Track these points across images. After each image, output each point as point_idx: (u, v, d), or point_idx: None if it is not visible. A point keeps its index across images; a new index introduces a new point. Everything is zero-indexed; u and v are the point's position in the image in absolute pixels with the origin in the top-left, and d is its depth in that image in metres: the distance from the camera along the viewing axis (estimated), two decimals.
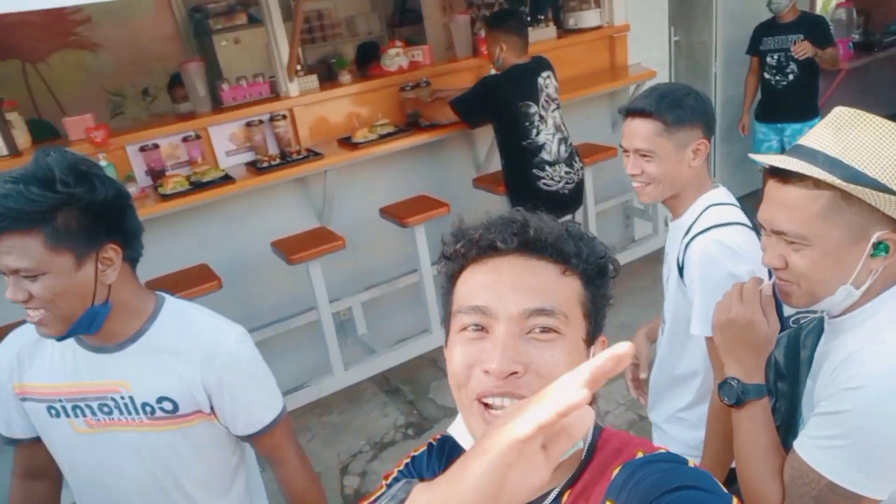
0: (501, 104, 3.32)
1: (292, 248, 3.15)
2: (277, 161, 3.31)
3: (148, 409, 1.29)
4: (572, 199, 3.62)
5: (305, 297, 3.45)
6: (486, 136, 3.87)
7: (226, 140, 3.41)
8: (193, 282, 2.90)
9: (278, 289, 3.57)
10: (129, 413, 1.29)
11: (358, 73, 3.99)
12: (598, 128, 4.52)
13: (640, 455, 0.78)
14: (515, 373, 0.74)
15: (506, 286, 0.77)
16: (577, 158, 3.62)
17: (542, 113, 3.37)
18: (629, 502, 0.71)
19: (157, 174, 3.19)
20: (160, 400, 1.28)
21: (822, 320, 1.20)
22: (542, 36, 4.20)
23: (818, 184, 1.02)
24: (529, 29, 4.11)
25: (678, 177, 1.62)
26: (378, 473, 3.14)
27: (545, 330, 0.76)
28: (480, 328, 0.77)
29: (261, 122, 3.41)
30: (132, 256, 1.27)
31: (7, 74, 4.62)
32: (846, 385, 1.02)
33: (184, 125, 3.34)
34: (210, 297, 2.82)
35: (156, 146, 3.20)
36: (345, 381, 3.56)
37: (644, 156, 1.61)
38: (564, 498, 0.80)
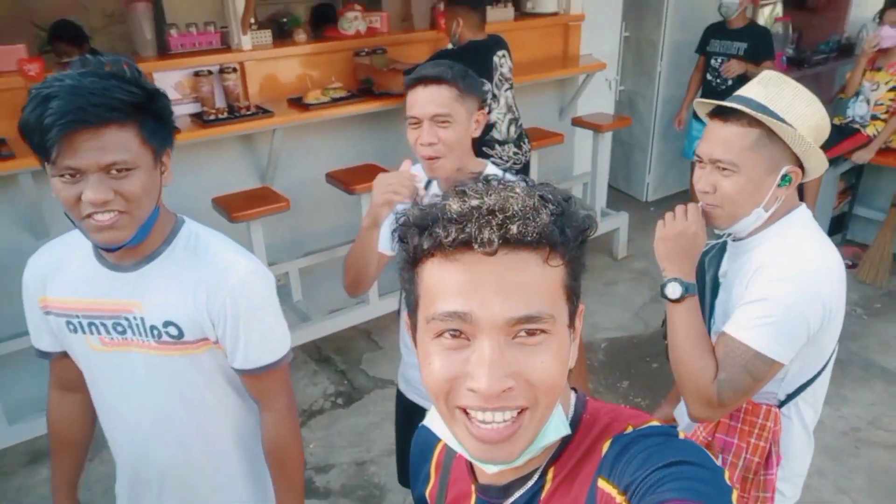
0: None
1: (234, 206, 3.07)
2: (225, 115, 3.20)
3: (155, 332, 1.27)
4: None
5: None
6: None
7: (171, 88, 3.26)
8: None
9: None
10: (141, 335, 1.28)
11: (312, 34, 3.89)
12: (546, 113, 4.59)
13: (629, 429, 0.75)
14: (507, 389, 0.68)
15: (488, 289, 0.67)
16: (525, 140, 3.66)
17: (495, 91, 3.39)
18: (621, 479, 0.69)
19: None
20: (166, 324, 1.26)
21: (722, 248, 1.55)
22: (499, 16, 4.21)
23: (750, 122, 1.34)
24: (488, 8, 4.13)
25: (465, 146, 1.69)
26: (306, 440, 3.13)
27: (532, 333, 0.69)
28: (459, 334, 0.69)
29: (210, 72, 3.28)
30: None
31: None
32: (774, 277, 1.33)
33: None
34: None
35: None
36: None
37: (442, 122, 1.62)
38: (549, 475, 0.77)
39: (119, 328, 1.28)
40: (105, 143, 1.09)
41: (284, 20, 4.44)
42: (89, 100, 1.06)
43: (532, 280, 0.68)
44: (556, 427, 0.74)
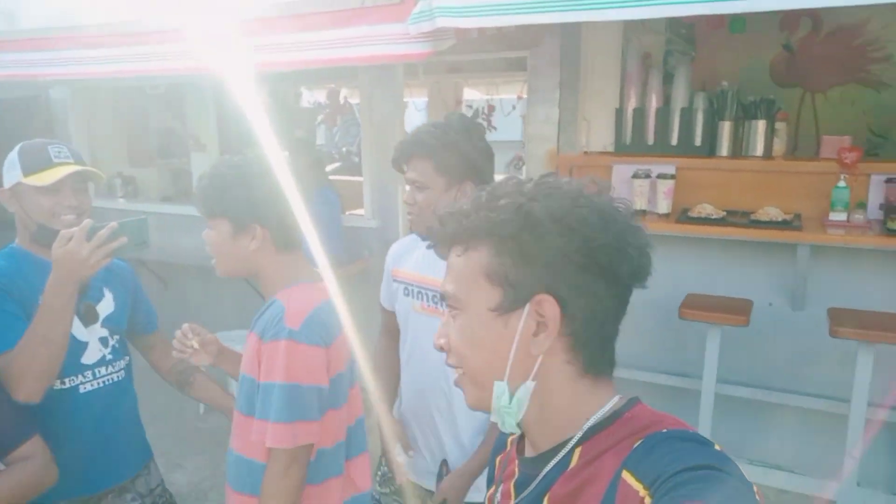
0: None
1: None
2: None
3: None
4: None
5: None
6: None
7: None
8: None
9: None
10: None
11: None
12: None
13: (665, 430, 0.75)
14: (441, 346, 0.87)
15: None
16: None
17: None
18: (647, 475, 0.69)
19: (891, 209, 3.05)
20: None
21: None
22: None
23: None
24: None
25: None
26: None
27: (450, 308, 0.85)
28: None
29: None
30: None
31: (787, 99, 5.08)
32: None
33: None
34: None
35: None
36: None
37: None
38: (576, 455, 0.81)
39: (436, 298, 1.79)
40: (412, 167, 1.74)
41: None
42: None
43: (450, 267, 0.85)
44: (503, 398, 0.82)
